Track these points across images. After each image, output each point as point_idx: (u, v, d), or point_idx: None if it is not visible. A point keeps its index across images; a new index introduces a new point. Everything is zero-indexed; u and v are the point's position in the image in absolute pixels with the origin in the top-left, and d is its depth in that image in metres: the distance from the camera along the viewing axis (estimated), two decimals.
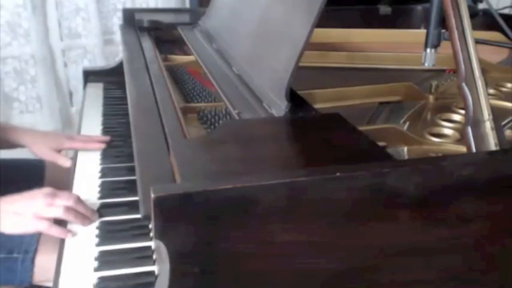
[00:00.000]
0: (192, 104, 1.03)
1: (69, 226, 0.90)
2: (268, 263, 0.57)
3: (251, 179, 0.54)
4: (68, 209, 0.89)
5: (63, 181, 1.13)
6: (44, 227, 0.89)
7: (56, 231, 0.89)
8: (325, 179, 0.57)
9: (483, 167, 0.63)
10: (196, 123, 0.95)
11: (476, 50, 0.73)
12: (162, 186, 0.53)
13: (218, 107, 0.97)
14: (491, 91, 1.15)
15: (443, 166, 0.61)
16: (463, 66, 0.73)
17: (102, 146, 1.16)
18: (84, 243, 0.87)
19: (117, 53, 2.49)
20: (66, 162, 1.13)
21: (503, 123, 0.97)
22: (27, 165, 1.29)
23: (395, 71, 1.29)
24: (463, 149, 0.76)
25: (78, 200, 0.92)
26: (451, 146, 0.90)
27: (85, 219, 0.90)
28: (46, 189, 0.92)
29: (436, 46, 0.87)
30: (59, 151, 1.16)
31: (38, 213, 0.88)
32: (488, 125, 0.69)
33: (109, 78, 1.67)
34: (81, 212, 0.90)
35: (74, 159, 1.15)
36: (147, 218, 0.59)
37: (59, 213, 0.89)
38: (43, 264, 0.95)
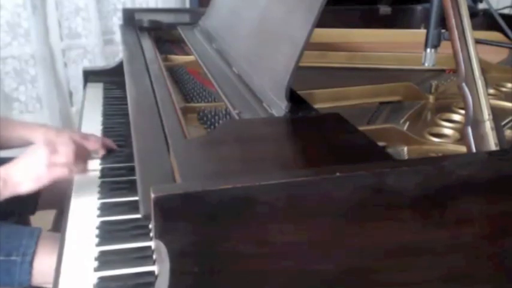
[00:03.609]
0: (192, 104, 1.03)
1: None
2: (268, 263, 0.57)
3: (251, 179, 0.54)
4: (74, 151, 0.91)
5: (62, 180, 1.13)
6: (61, 172, 0.91)
7: (74, 172, 0.92)
8: (325, 179, 0.57)
9: (483, 167, 0.63)
10: (196, 123, 0.95)
11: (476, 50, 0.73)
12: (162, 186, 0.53)
13: (218, 107, 0.96)
14: (491, 91, 1.15)
15: (443, 166, 0.61)
16: (463, 66, 0.73)
17: (115, 147, 1.16)
18: (84, 243, 0.87)
19: (117, 53, 2.49)
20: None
21: (503, 123, 0.97)
22: None
23: (395, 71, 1.29)
24: (463, 149, 0.76)
25: (75, 138, 0.95)
26: (451, 146, 0.90)
27: (89, 154, 0.95)
28: (42, 141, 0.94)
29: (436, 46, 0.87)
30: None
31: (47, 161, 0.89)
32: (488, 125, 0.69)
33: (109, 78, 1.67)
34: (83, 151, 0.94)
35: None
36: (147, 218, 0.59)
37: (68, 157, 0.91)
38: (42, 267, 0.95)
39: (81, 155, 0.94)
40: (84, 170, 0.95)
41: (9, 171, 0.90)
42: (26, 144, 1.17)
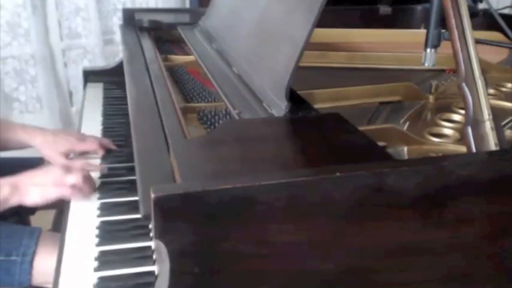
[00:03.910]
0: (192, 104, 1.03)
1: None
2: (268, 263, 0.57)
3: (251, 179, 0.54)
4: (85, 176, 0.97)
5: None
6: (66, 192, 0.95)
7: (78, 195, 0.96)
8: (325, 179, 0.57)
9: (483, 167, 0.63)
10: (196, 123, 0.95)
11: (476, 50, 0.73)
12: (162, 186, 0.53)
13: (218, 107, 0.96)
14: (491, 91, 1.15)
15: (443, 166, 0.61)
16: (463, 66, 0.73)
17: (113, 147, 1.16)
18: (84, 243, 0.87)
19: (117, 53, 2.49)
20: None
21: (503, 123, 0.97)
22: (26, 164, 1.29)
23: (395, 71, 1.29)
24: (463, 149, 0.76)
25: (90, 166, 1.01)
26: (451, 146, 0.90)
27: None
28: (60, 162, 1.02)
29: (436, 46, 0.87)
30: (67, 155, 1.15)
31: (58, 180, 0.94)
32: (488, 125, 0.69)
33: (109, 78, 1.67)
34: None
35: (74, 158, 1.14)
36: (147, 218, 0.59)
37: (78, 179, 0.95)
38: (42, 267, 0.95)
39: (92, 181, 1.00)
40: (88, 196, 0.99)
41: (22, 180, 0.95)
42: (24, 146, 1.19)
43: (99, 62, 2.50)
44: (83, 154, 1.14)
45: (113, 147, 1.16)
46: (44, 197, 0.94)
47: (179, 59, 1.38)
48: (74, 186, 0.95)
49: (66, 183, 0.95)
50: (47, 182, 0.95)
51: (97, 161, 1.11)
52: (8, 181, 0.94)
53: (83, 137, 1.17)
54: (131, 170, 0.99)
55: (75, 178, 0.95)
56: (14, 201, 0.94)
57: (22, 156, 1.30)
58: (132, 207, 0.93)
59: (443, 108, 1.06)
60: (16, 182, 0.94)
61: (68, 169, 0.96)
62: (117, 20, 2.53)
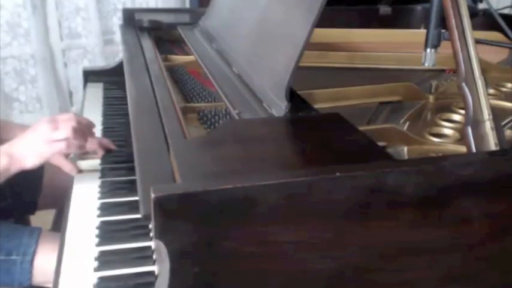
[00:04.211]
0: (192, 104, 1.03)
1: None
2: (268, 262, 0.57)
3: (251, 179, 0.54)
4: (73, 128, 0.96)
5: (62, 180, 1.13)
6: (60, 146, 0.95)
7: (73, 147, 0.97)
8: (325, 179, 0.57)
9: (483, 167, 0.63)
10: (196, 123, 0.95)
11: (476, 50, 0.73)
12: (162, 186, 0.53)
13: (218, 107, 0.96)
14: (491, 91, 1.15)
15: (443, 166, 0.61)
16: (463, 66, 0.73)
17: (113, 147, 1.16)
18: (84, 243, 0.87)
19: (117, 53, 2.49)
20: (72, 170, 1.11)
21: (503, 123, 0.97)
22: None
23: (395, 71, 1.29)
24: (463, 149, 0.76)
25: (77, 117, 0.99)
26: (451, 146, 0.90)
27: (88, 136, 1.00)
28: (45, 118, 0.99)
29: (436, 46, 0.87)
30: (67, 155, 1.15)
31: (48, 138, 0.94)
32: (488, 125, 0.69)
33: (109, 78, 1.67)
34: (84, 129, 0.99)
35: (74, 158, 1.14)
36: (147, 218, 0.59)
37: (67, 133, 0.95)
38: (42, 266, 0.95)
39: (82, 132, 0.99)
40: (83, 147, 1.00)
41: (13, 147, 0.95)
42: None
43: (99, 62, 2.50)
44: (83, 154, 1.14)
45: (113, 147, 1.16)
46: (40, 157, 0.95)
47: (179, 59, 1.38)
48: (65, 140, 0.95)
49: (56, 138, 0.95)
50: (38, 141, 0.95)
51: (97, 162, 1.11)
52: (1, 151, 0.94)
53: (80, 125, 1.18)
54: (131, 170, 0.99)
55: (64, 132, 0.95)
56: (15, 168, 0.94)
57: None
58: (132, 207, 0.93)
59: (443, 108, 1.06)
60: (9, 150, 0.94)
61: (55, 123, 0.96)
62: (117, 20, 2.53)
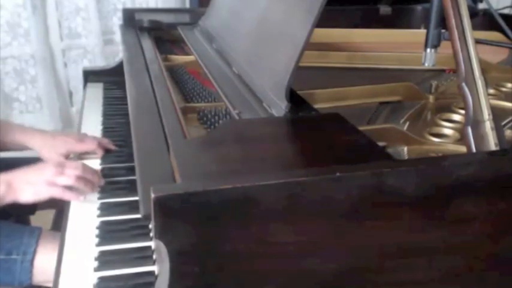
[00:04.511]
0: (192, 104, 1.03)
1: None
2: (268, 263, 0.57)
3: (251, 179, 0.54)
4: (78, 177, 0.96)
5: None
6: (58, 192, 0.95)
7: (69, 196, 0.96)
8: (325, 179, 0.57)
9: (483, 167, 0.63)
10: (196, 123, 0.95)
11: (476, 50, 0.73)
12: (162, 186, 0.53)
13: (218, 107, 0.97)
14: (491, 91, 1.15)
15: (443, 166, 0.61)
16: (463, 66, 0.73)
17: (113, 147, 1.16)
18: (84, 243, 0.87)
19: (117, 53, 2.49)
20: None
21: (503, 123, 0.97)
22: (26, 163, 1.29)
23: (395, 71, 1.29)
24: (463, 149, 0.76)
25: (85, 167, 0.99)
26: (451, 146, 0.90)
27: (93, 186, 0.99)
28: (54, 160, 1.01)
29: (436, 46, 0.87)
30: (67, 156, 1.15)
31: (50, 180, 0.95)
32: (488, 125, 0.69)
33: (109, 78, 1.67)
34: (89, 179, 0.98)
35: (74, 159, 1.14)
36: (147, 218, 0.59)
37: (70, 181, 0.95)
38: (42, 265, 0.95)
39: (85, 181, 0.98)
40: (80, 198, 0.98)
41: (14, 178, 0.95)
42: (23, 148, 1.19)
43: (99, 62, 2.50)
44: (83, 154, 1.14)
45: (113, 147, 1.16)
46: (36, 196, 0.95)
47: (179, 59, 1.38)
48: (66, 187, 0.95)
49: (58, 183, 0.95)
50: (40, 181, 0.95)
51: (97, 162, 1.11)
52: (1, 179, 0.94)
53: (82, 138, 1.17)
54: (131, 170, 0.99)
55: (67, 179, 0.95)
56: (9, 199, 0.94)
57: (22, 156, 1.30)
58: (132, 207, 0.93)
59: (443, 108, 1.06)
60: (10, 180, 0.94)
61: (62, 168, 0.96)
62: (117, 20, 2.53)
